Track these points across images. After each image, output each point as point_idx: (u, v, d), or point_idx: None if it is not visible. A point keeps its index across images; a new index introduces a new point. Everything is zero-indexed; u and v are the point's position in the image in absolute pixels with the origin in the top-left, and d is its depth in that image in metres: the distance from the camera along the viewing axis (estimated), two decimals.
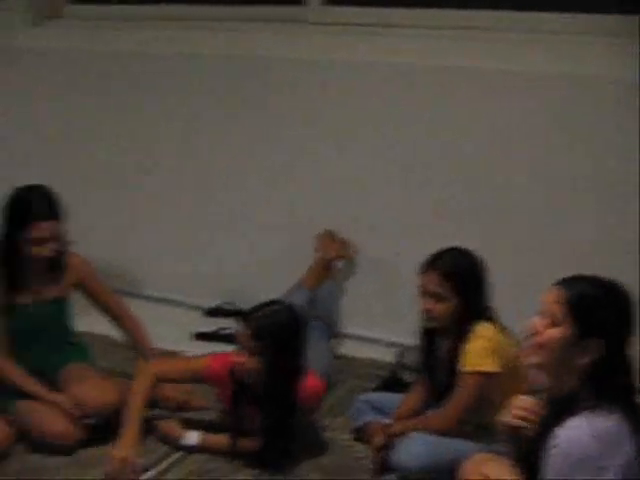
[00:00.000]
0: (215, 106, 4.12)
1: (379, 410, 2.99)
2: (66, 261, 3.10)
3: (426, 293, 2.77)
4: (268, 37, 4.06)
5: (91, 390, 2.97)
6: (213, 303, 4.20)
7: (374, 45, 3.81)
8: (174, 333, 3.87)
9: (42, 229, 2.92)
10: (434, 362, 2.86)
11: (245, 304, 3.98)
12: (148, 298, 4.30)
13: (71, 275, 3.14)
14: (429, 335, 2.86)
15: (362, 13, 3.96)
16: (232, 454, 2.87)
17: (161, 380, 2.97)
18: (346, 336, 3.83)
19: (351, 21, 3.95)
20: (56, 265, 3.07)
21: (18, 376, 2.98)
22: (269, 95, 4.00)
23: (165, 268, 4.37)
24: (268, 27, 4.10)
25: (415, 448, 2.65)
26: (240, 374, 2.78)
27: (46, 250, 2.96)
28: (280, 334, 2.74)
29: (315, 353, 3.29)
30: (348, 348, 3.78)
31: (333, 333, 3.71)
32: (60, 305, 3.15)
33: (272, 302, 2.84)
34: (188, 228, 4.33)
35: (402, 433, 2.74)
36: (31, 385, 2.97)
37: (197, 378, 2.97)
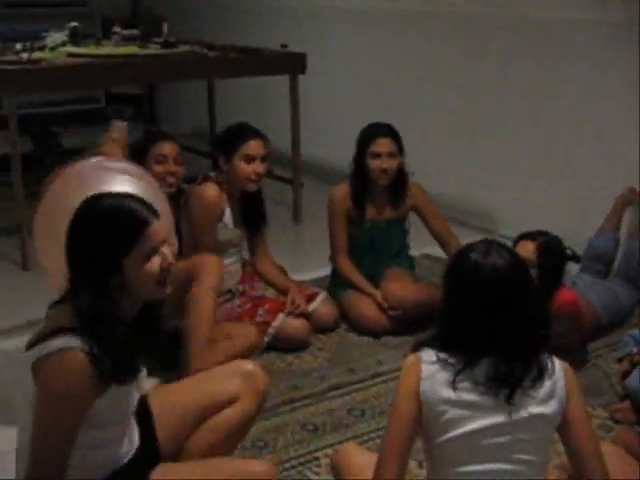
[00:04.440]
0: None
1: None
2: (406, 189, 3.84)
3: None
4: None
5: (399, 288, 3.69)
6: None
7: None
8: None
9: (379, 144, 3.67)
10: None
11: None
12: (501, 237, 4.84)
13: (409, 200, 3.87)
14: None
15: None
16: None
17: None
18: None
19: None
20: (396, 191, 3.82)
21: (352, 273, 3.80)
22: None
23: (517, 211, 4.87)
24: None
25: None
26: None
27: (385, 163, 3.67)
28: None
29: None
30: None
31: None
32: (395, 225, 3.89)
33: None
34: (539, 174, 4.77)
35: None
36: (359, 281, 3.78)
37: None
